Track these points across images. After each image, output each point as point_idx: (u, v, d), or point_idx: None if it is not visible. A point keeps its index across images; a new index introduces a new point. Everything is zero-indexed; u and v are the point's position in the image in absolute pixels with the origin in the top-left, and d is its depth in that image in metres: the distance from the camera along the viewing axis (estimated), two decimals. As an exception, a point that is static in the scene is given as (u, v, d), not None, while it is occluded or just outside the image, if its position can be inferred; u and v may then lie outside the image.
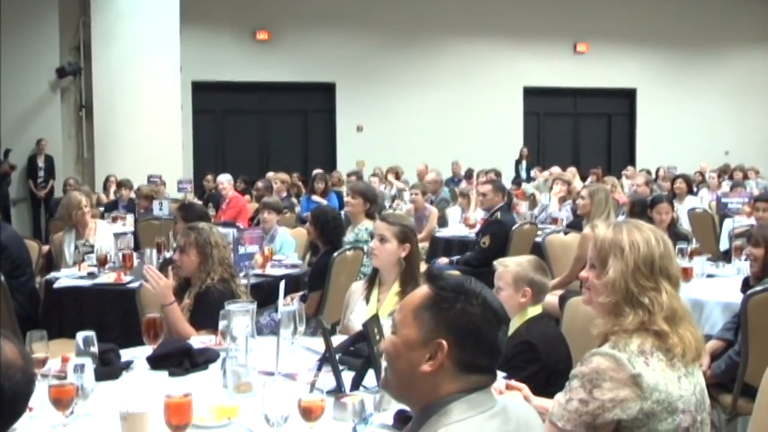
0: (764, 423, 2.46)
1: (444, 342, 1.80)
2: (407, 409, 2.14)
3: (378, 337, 2.86)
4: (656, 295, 2.24)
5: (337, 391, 2.77)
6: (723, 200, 7.06)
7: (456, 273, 3.73)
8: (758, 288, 3.95)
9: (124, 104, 12.81)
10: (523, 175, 17.52)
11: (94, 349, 3.03)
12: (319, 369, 2.94)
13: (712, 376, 3.90)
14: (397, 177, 13.76)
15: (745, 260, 4.87)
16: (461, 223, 8.95)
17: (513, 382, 2.75)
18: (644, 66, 20.78)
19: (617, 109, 21.42)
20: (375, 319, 3.00)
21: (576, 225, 7.46)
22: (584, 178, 13.88)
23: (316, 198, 10.17)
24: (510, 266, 3.51)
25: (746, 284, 4.47)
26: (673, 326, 2.22)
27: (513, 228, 7.19)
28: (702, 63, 21.19)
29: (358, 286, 4.08)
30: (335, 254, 5.51)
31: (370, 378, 2.86)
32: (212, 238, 4.12)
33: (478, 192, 8.02)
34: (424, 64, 18.57)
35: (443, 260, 7.57)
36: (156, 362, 3.26)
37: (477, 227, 7.94)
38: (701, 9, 20.69)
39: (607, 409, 2.15)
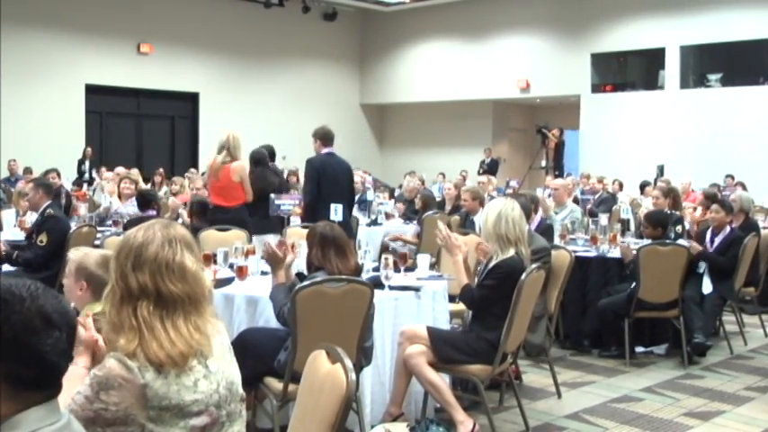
0: (305, 405, 2.73)
1: None
2: None
3: None
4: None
5: None
6: (276, 202, 7.51)
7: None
8: (305, 283, 4.29)
9: None
10: (87, 175, 17.03)
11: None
12: None
13: None
14: None
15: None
16: (16, 227, 8.40)
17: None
18: (207, 71, 21.33)
19: (180, 111, 21.69)
20: None
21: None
22: (146, 180, 13.85)
23: None
24: (78, 255, 3.28)
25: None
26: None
27: (71, 231, 6.92)
28: (263, 72, 22.36)
29: None
30: None
31: None
32: None
33: (21, 192, 7.66)
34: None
35: None
36: None
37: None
38: (264, 22, 21.82)
39: (110, 412, 2.17)
